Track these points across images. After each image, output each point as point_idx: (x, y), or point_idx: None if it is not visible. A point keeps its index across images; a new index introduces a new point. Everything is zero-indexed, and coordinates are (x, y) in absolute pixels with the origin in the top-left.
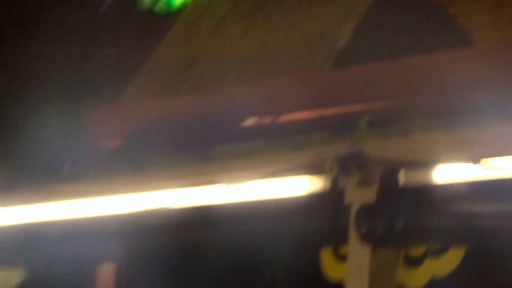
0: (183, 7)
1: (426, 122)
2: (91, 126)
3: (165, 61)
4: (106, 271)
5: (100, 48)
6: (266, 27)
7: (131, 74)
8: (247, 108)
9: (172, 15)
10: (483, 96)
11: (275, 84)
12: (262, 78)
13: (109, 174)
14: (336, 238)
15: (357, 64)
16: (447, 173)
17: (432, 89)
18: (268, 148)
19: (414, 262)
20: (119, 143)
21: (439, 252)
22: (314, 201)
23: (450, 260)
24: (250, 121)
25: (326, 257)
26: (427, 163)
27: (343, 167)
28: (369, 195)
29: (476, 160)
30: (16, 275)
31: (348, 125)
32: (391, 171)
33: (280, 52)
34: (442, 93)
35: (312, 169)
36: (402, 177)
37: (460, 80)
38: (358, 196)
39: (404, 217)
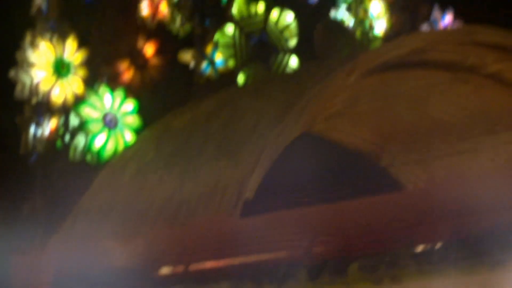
0: (111, 157)
1: (414, 269)
2: (19, 271)
3: (90, 207)
4: None
5: (30, 194)
6: (181, 176)
7: (59, 220)
8: (164, 254)
9: (101, 164)
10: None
11: (184, 231)
12: (175, 224)
13: None
14: None
15: (263, 213)
16: None
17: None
18: None
19: None
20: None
21: None
22: None
23: None
24: (166, 268)
25: None
26: None
27: None
28: None
29: None
30: None
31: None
32: None
33: (191, 200)
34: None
35: None
36: None
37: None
38: None
39: None
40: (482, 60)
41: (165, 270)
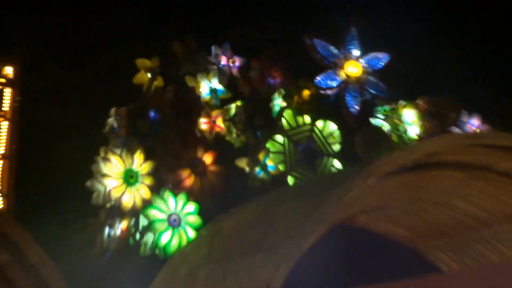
0: (176, 251)
1: None
2: None
3: None
4: None
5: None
6: (224, 272)
7: None
8: None
9: (168, 257)
10: None
11: None
12: None
13: None
14: None
15: None
16: None
17: None
18: None
19: None
20: None
21: None
22: None
23: None
24: None
25: None
26: None
27: None
28: None
29: None
30: None
31: None
32: None
33: None
34: None
35: None
36: None
37: None
38: None
39: None
40: (491, 160)
41: None
